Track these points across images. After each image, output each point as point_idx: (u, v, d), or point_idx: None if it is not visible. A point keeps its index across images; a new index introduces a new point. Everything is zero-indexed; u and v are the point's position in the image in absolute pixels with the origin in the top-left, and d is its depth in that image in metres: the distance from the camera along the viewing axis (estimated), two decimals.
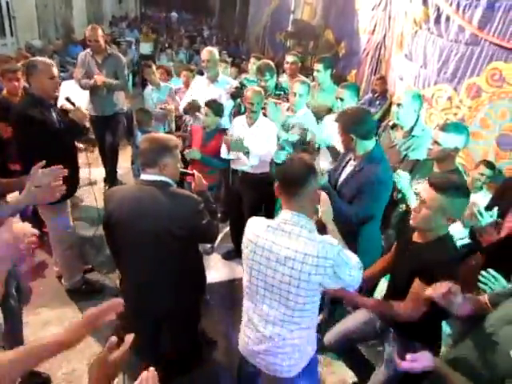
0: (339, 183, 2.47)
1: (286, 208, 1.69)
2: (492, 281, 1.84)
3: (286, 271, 1.59)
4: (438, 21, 4.50)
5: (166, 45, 11.80)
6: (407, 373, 1.53)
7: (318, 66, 3.90)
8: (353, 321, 2.25)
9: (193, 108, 3.88)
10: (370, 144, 2.34)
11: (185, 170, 2.25)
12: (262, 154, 3.27)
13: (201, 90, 4.03)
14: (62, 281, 3.20)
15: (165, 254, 1.97)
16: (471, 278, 1.94)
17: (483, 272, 1.87)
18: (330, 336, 2.28)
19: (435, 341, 1.92)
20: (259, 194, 3.45)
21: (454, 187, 1.69)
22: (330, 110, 3.77)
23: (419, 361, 1.46)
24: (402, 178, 2.46)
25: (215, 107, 3.50)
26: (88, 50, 4.37)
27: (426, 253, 1.75)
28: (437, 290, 1.49)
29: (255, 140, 3.29)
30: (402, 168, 2.68)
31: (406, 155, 2.82)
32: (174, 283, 2.06)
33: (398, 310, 1.83)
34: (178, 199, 1.97)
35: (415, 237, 1.89)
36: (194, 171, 2.26)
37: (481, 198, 2.91)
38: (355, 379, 2.54)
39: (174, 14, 22.72)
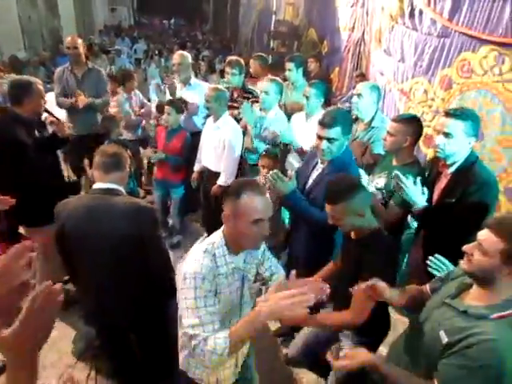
0: (308, 186, 2.40)
1: None
2: (440, 265, 1.84)
3: None
4: (412, 15, 4.47)
5: (156, 52, 11.88)
6: (353, 373, 1.54)
7: (290, 65, 3.90)
8: (310, 329, 2.23)
9: (171, 89, 3.94)
10: (343, 146, 2.27)
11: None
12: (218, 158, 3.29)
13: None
14: None
15: (123, 262, 1.95)
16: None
17: (431, 257, 1.88)
18: (293, 349, 2.27)
19: (386, 330, 1.95)
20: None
21: (349, 190, 1.77)
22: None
23: (354, 358, 1.47)
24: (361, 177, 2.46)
25: (177, 105, 3.54)
26: (66, 64, 4.10)
27: (358, 249, 1.83)
28: (360, 288, 1.56)
29: (211, 142, 3.32)
30: (365, 162, 2.69)
31: (367, 147, 2.83)
32: (134, 292, 2.03)
33: (344, 319, 1.77)
34: (135, 206, 1.97)
35: (352, 234, 1.94)
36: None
37: None
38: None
39: (171, 21, 22.88)
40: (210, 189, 3.52)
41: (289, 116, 3.59)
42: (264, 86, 3.35)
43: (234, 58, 4.02)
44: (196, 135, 3.78)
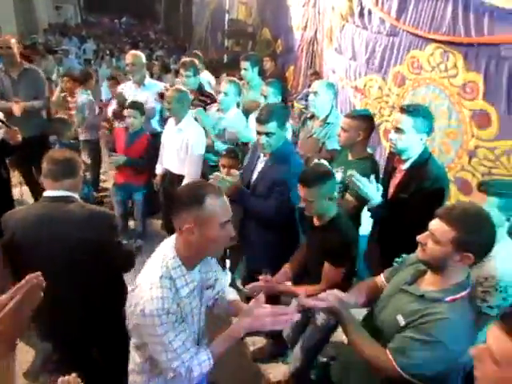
0: (253, 179, 2.48)
1: None
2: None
3: None
4: (361, 14, 4.62)
5: (107, 52, 11.47)
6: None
7: (245, 64, 3.89)
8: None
9: (119, 100, 3.79)
10: (282, 138, 2.36)
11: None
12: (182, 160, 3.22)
13: (128, 94, 3.93)
14: None
15: (78, 272, 1.84)
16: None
17: (397, 259, 1.92)
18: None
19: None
20: None
21: (315, 179, 1.92)
22: None
23: (323, 300, 1.54)
24: None
25: (139, 107, 3.45)
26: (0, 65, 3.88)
27: (324, 235, 1.96)
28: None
29: (173, 145, 3.26)
30: (322, 157, 2.74)
31: (323, 143, 2.88)
32: (92, 303, 1.93)
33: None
34: (90, 213, 1.88)
35: (315, 221, 2.07)
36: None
37: None
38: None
39: (122, 20, 22.19)
40: (172, 191, 3.44)
41: (246, 115, 3.58)
42: (222, 87, 3.33)
43: (187, 59, 3.94)
44: (153, 137, 3.71)
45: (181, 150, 3.28)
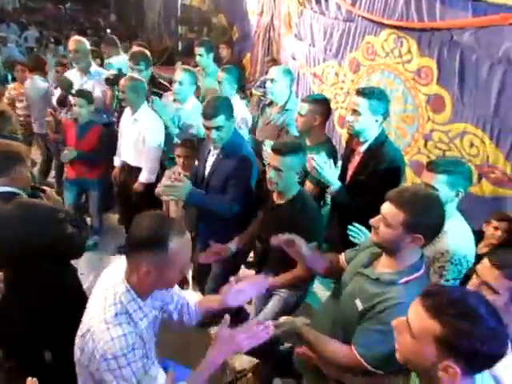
0: (207, 174, 2.44)
1: None
2: (358, 233, 1.94)
3: None
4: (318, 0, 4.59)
5: (52, 39, 10.78)
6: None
7: (200, 50, 3.78)
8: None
9: (63, 85, 3.55)
10: (232, 127, 2.36)
11: (37, 186, 2.10)
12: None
13: (73, 83, 3.67)
14: None
15: (21, 272, 1.73)
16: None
17: (350, 226, 1.98)
18: None
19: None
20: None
21: (290, 148, 1.98)
22: None
23: (284, 325, 1.54)
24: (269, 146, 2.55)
25: (86, 95, 3.24)
26: None
27: (286, 212, 2.00)
28: (279, 238, 1.67)
29: (129, 136, 3.11)
30: None
31: (281, 129, 2.89)
32: (40, 305, 1.82)
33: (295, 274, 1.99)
34: (33, 209, 1.77)
35: (276, 199, 2.10)
36: (46, 188, 2.10)
37: None
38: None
39: (67, 6, 20.90)
40: (129, 184, 3.30)
41: None
42: (177, 75, 3.21)
43: (137, 50, 3.75)
44: (107, 127, 3.55)
45: (137, 142, 3.15)
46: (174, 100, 3.36)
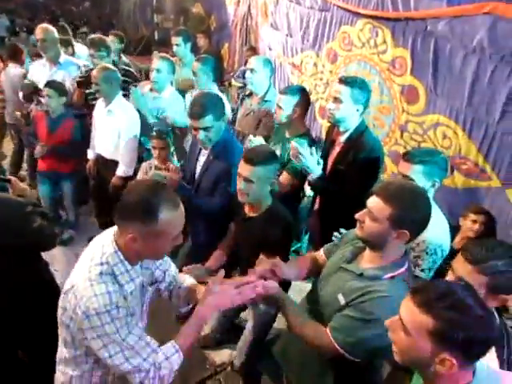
0: (197, 174, 2.36)
1: None
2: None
3: None
4: None
5: (24, 28, 10.41)
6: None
7: (177, 40, 3.70)
8: None
9: (27, 90, 3.41)
10: (221, 129, 2.26)
11: (1, 177, 2.05)
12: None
13: (41, 74, 3.58)
14: None
15: None
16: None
17: (335, 233, 1.94)
18: (212, 326, 2.39)
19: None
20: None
21: (262, 158, 1.84)
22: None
23: (267, 287, 1.50)
24: (254, 142, 2.52)
25: (58, 87, 3.14)
26: None
27: (260, 225, 1.88)
28: (261, 270, 1.57)
29: (104, 128, 3.05)
30: (258, 134, 2.71)
31: (260, 120, 2.86)
32: (11, 305, 1.76)
33: None
34: None
35: (248, 211, 1.98)
36: (11, 178, 2.02)
37: None
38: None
39: None
40: (104, 178, 3.23)
41: (181, 94, 3.41)
42: (154, 63, 3.15)
43: (95, 36, 3.65)
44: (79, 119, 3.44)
45: (113, 134, 3.06)
46: (151, 90, 3.30)
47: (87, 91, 3.45)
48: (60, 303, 1.32)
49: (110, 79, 2.97)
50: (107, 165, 3.21)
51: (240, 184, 1.87)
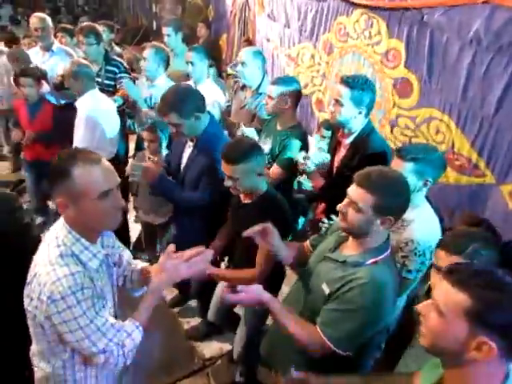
0: (182, 166, 2.32)
1: None
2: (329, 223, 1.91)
3: None
4: None
5: (26, 17, 10.34)
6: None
7: (167, 30, 3.66)
8: (220, 288, 2.25)
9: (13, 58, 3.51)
10: (199, 124, 2.17)
11: None
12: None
13: (34, 61, 3.57)
14: None
15: None
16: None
17: (324, 219, 1.96)
18: (211, 312, 2.37)
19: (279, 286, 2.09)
20: None
21: (241, 155, 1.78)
22: (187, 77, 3.56)
23: (247, 293, 1.46)
24: (246, 132, 2.50)
25: (33, 73, 3.10)
26: None
27: (255, 212, 1.85)
28: (253, 229, 1.58)
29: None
30: (254, 127, 2.68)
31: (255, 114, 2.84)
32: None
33: (246, 275, 1.89)
34: None
35: (243, 198, 1.97)
36: None
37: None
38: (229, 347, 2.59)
39: None
40: None
41: None
42: (145, 53, 3.11)
43: (84, 24, 3.60)
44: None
45: (77, 128, 2.92)
46: (147, 79, 3.28)
47: None
48: (25, 294, 1.30)
49: (77, 75, 2.79)
50: None
51: (227, 181, 1.86)
